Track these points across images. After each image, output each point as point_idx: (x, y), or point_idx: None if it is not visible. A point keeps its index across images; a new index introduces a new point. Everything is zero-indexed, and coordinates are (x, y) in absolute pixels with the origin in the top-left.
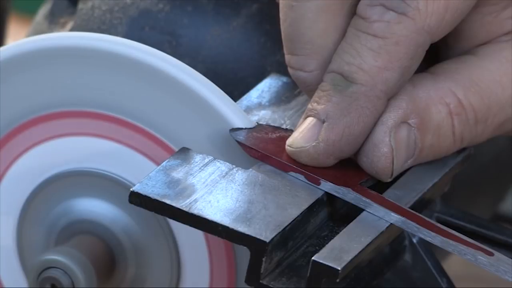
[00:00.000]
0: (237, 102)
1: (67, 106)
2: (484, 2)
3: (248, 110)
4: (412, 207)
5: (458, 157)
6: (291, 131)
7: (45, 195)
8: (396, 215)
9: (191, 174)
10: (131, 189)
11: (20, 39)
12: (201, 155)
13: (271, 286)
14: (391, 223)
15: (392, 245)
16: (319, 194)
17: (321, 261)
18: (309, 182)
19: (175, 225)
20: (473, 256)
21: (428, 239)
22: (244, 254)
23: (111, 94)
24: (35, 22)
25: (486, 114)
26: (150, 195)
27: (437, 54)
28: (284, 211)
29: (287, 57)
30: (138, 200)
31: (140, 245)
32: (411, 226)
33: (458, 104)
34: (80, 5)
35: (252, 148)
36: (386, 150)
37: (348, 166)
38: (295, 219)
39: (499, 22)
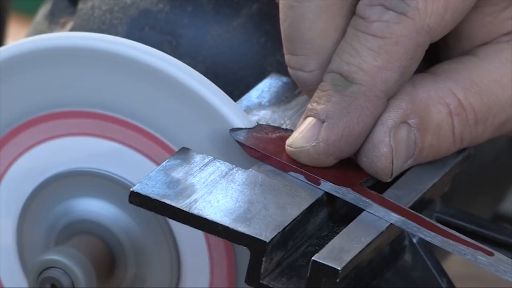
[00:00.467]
0: (237, 102)
1: (67, 106)
2: (484, 3)
3: (248, 110)
4: (412, 207)
5: (458, 157)
6: (291, 131)
7: (45, 195)
8: (396, 215)
9: (191, 174)
10: (131, 189)
11: (20, 39)
12: (201, 155)
13: (271, 286)
14: (391, 223)
15: (392, 245)
16: (319, 194)
17: (321, 261)
18: (309, 182)
19: (175, 225)
20: (473, 256)
21: (428, 239)
22: (244, 254)
23: (111, 94)
24: (35, 22)
25: (486, 115)
26: (150, 195)
27: (437, 54)
28: (284, 211)
29: (287, 57)
30: (138, 200)
31: (140, 245)
32: (411, 226)
33: (458, 105)
34: (80, 5)
35: (252, 148)
36: (386, 150)
37: (348, 166)
38: (295, 219)
39: (499, 23)
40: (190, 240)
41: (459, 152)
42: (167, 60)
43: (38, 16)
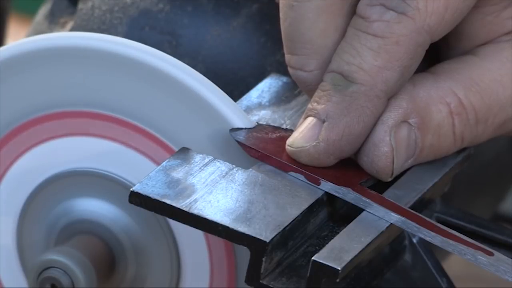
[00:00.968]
0: (237, 102)
1: (67, 106)
2: (485, 2)
3: (248, 110)
4: (412, 207)
5: (458, 157)
6: (291, 131)
7: (45, 195)
8: (396, 215)
9: (191, 174)
10: (131, 189)
11: (20, 39)
12: (201, 155)
13: (271, 286)
14: (391, 223)
15: (392, 245)
16: (319, 194)
17: (321, 261)
18: (309, 182)
19: (175, 225)
20: (473, 256)
21: (428, 239)
22: (244, 254)
23: (111, 94)
24: (35, 22)
25: (486, 114)
26: (150, 195)
27: (438, 54)
28: (284, 211)
29: (287, 57)
30: (138, 200)
31: (140, 245)
32: (411, 226)
33: (458, 104)
34: (80, 5)
35: (252, 148)
36: (386, 150)
37: (348, 166)
38: (295, 219)
39: (499, 22)
40: (190, 240)
41: (459, 152)
42: (167, 60)
43: (38, 16)
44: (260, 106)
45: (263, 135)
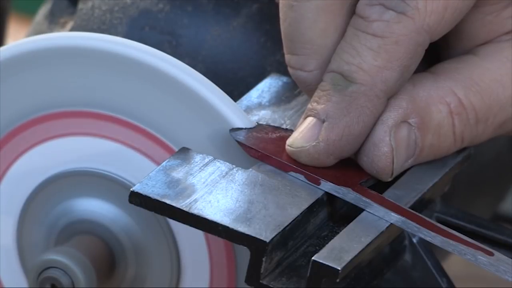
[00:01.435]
0: (237, 102)
1: (67, 106)
2: (485, 2)
3: (248, 110)
4: (412, 207)
5: (458, 157)
6: (291, 131)
7: (45, 195)
8: (396, 215)
9: (191, 174)
10: (131, 189)
11: (20, 39)
12: (201, 155)
13: (271, 286)
14: (391, 223)
15: (392, 245)
16: (319, 194)
17: (321, 261)
18: (309, 182)
19: (175, 225)
20: (473, 256)
21: (428, 239)
22: (244, 254)
23: (111, 94)
24: (35, 22)
25: (486, 114)
26: (150, 195)
27: (438, 54)
28: (284, 211)
29: (287, 57)
30: (138, 200)
31: (140, 245)
32: (411, 226)
33: (458, 104)
34: (80, 5)
35: (252, 148)
36: (386, 150)
37: (348, 166)
38: (295, 219)
39: (499, 22)
40: (190, 240)
41: (459, 152)
42: (167, 60)
43: (38, 16)
44: (260, 106)
45: (263, 135)
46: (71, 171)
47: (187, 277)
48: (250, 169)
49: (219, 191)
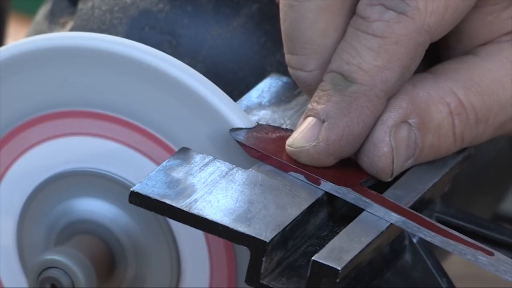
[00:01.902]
0: (237, 102)
1: (67, 106)
2: (485, 2)
3: (248, 110)
4: (412, 207)
5: (458, 157)
6: (291, 131)
7: (45, 195)
8: (396, 215)
9: (191, 174)
10: (131, 189)
11: (20, 39)
12: (201, 155)
13: (271, 286)
14: (391, 223)
15: (392, 245)
16: (319, 194)
17: (321, 261)
18: (309, 182)
19: (175, 225)
20: (473, 256)
21: (428, 239)
22: (244, 254)
23: (111, 94)
24: (35, 22)
25: (486, 114)
26: (150, 195)
27: (438, 54)
28: (284, 211)
29: (287, 57)
30: (138, 200)
31: (140, 245)
32: (411, 226)
33: (458, 104)
34: (80, 5)
35: (252, 148)
36: (386, 150)
37: (348, 166)
38: (295, 219)
39: (500, 22)
40: (190, 240)
41: (459, 152)
42: (167, 60)
43: (38, 16)
44: (260, 106)
45: (263, 135)
46: (71, 171)
47: (187, 277)
48: (250, 169)
49: (219, 191)
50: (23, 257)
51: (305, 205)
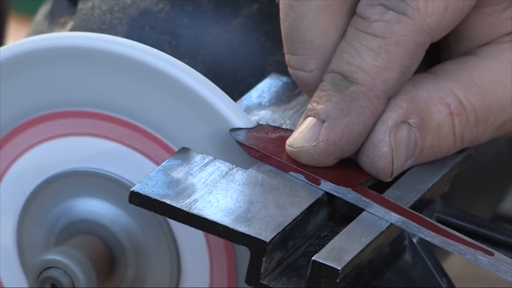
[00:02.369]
0: (237, 102)
1: (67, 106)
2: (485, 3)
3: (248, 110)
4: (412, 207)
5: (458, 157)
6: (291, 131)
7: (45, 195)
8: (396, 215)
9: (191, 174)
10: (131, 189)
11: (20, 39)
12: (201, 155)
13: (271, 286)
14: (391, 223)
15: (392, 245)
16: (319, 194)
17: (321, 261)
18: (309, 182)
19: (175, 225)
20: (473, 256)
21: (428, 239)
22: (244, 254)
23: (111, 94)
24: (35, 22)
25: (486, 115)
26: (150, 195)
27: (438, 54)
28: (284, 211)
29: (287, 57)
30: (138, 200)
31: (140, 245)
32: (411, 226)
33: (458, 104)
34: (80, 5)
35: (252, 148)
36: (386, 150)
37: (348, 166)
38: (295, 219)
39: (500, 23)
40: (190, 240)
41: (459, 152)
42: (167, 60)
43: (38, 16)
44: (260, 106)
45: (263, 135)
46: (71, 171)
47: (187, 277)
48: (250, 169)
49: (219, 191)
50: (23, 257)
51: (305, 205)
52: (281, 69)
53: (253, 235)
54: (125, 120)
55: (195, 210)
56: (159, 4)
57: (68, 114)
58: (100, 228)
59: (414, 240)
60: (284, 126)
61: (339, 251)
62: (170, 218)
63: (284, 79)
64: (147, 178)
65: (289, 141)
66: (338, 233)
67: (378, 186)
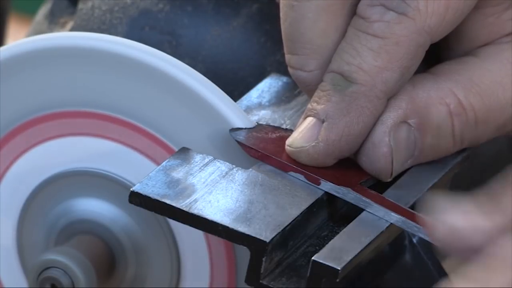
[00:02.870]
0: (237, 102)
1: (67, 106)
2: (486, 3)
3: (248, 110)
4: (412, 207)
5: (457, 157)
6: (291, 131)
7: (45, 195)
8: (396, 215)
9: (191, 174)
10: (131, 189)
11: (20, 39)
12: (201, 155)
13: (271, 286)
14: (391, 223)
15: (392, 245)
16: (319, 194)
17: (321, 261)
18: (309, 182)
19: (175, 225)
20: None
21: (428, 239)
22: (244, 254)
23: (111, 94)
24: (35, 22)
25: (486, 115)
26: (150, 195)
27: (438, 54)
28: (284, 211)
29: (287, 57)
30: (138, 200)
31: (140, 245)
32: (411, 226)
33: (458, 105)
34: (80, 5)
35: (252, 148)
36: (385, 150)
37: (348, 166)
38: (295, 219)
39: (500, 23)
40: (190, 240)
41: (459, 152)
42: (167, 60)
43: (38, 16)
44: (260, 106)
45: (263, 135)
46: (71, 171)
47: (187, 277)
48: (250, 169)
49: (219, 191)
50: (23, 257)
51: (305, 205)
52: (281, 69)
53: (253, 235)
54: (125, 120)
55: (195, 210)
56: (159, 4)
57: (68, 114)
58: (100, 228)
59: (414, 240)
60: (284, 126)
61: (339, 251)
62: (170, 218)
63: (284, 79)
64: (147, 178)
65: (288, 141)
66: (338, 233)
67: (378, 186)
